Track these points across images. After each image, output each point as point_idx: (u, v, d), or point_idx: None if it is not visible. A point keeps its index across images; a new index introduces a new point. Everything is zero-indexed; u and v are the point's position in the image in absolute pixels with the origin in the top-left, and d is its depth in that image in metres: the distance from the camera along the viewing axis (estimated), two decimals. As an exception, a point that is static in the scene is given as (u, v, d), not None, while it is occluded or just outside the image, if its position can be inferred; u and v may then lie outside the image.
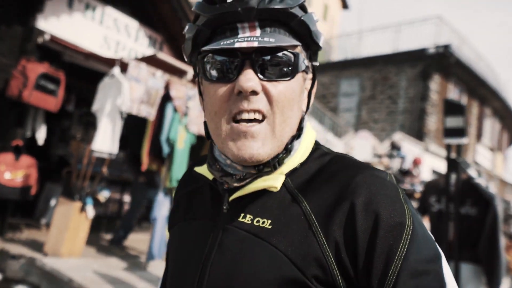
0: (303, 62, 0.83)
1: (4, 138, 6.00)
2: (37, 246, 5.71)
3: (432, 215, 4.27)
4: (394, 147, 10.17)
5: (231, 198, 0.85)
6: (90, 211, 5.56)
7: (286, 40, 0.79)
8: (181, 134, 5.87)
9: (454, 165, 4.02)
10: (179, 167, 5.85)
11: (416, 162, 9.09)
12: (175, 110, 5.82)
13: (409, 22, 17.14)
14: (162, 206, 5.74)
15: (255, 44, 0.75)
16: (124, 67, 5.57)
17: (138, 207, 6.85)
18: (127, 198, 8.13)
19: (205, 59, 0.81)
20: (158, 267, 5.80)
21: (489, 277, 3.80)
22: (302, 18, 0.81)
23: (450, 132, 4.09)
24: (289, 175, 0.84)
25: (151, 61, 6.04)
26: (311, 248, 0.74)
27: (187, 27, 0.85)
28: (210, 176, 0.91)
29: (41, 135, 6.30)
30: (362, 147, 10.49)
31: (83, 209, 5.50)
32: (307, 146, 0.89)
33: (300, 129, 0.86)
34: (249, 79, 0.76)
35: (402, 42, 16.80)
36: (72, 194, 5.63)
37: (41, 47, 6.25)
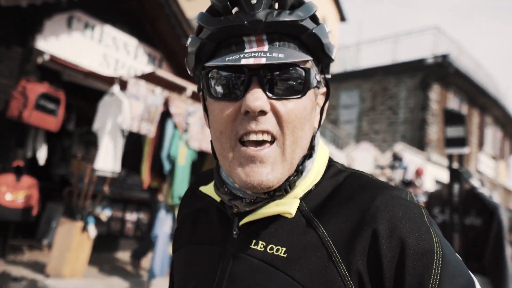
0: (315, 77, 0.78)
1: (5, 159, 5.99)
2: (39, 267, 5.67)
3: (437, 227, 4.22)
4: (396, 158, 10.13)
5: (241, 223, 0.80)
6: (92, 231, 5.52)
7: (296, 55, 0.73)
8: (182, 151, 5.86)
9: (456, 175, 3.98)
10: (181, 183, 5.83)
11: (418, 173, 9.02)
12: (175, 126, 5.82)
13: (407, 33, 17.27)
14: (164, 224, 5.69)
15: (263, 61, 0.70)
16: (123, 85, 5.59)
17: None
18: (129, 216, 8.09)
19: (209, 75, 0.76)
20: (160, 286, 5.74)
21: (496, 288, 3.75)
22: (313, 31, 0.75)
23: (451, 142, 4.06)
24: (303, 198, 0.79)
25: (150, 78, 6.06)
26: (331, 279, 0.68)
27: (189, 39, 0.80)
28: (217, 198, 0.86)
29: (42, 155, 6.30)
30: (363, 158, 10.46)
31: (85, 228, 5.47)
32: (320, 165, 0.83)
33: (311, 148, 0.80)
34: (257, 98, 0.70)
35: (401, 53, 16.90)
36: (73, 214, 5.61)
37: (41, 67, 6.29)
